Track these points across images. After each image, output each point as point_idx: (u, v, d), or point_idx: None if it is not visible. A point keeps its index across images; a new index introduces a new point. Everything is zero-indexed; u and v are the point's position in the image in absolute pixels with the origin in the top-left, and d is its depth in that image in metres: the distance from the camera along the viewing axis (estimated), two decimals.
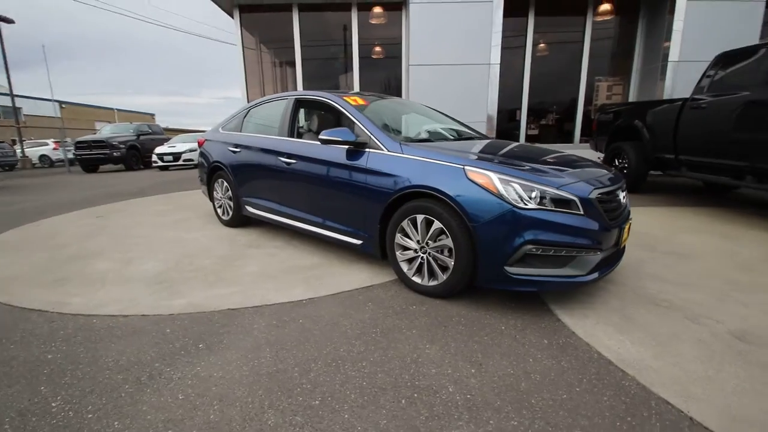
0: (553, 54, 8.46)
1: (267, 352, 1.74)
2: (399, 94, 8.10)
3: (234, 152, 3.68)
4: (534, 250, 1.90)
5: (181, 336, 1.88)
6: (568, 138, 8.55)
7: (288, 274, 2.69)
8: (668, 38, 7.23)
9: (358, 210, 2.57)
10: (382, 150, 2.46)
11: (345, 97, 2.94)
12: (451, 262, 2.12)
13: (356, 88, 8.16)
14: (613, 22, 8.34)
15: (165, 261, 2.99)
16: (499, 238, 1.94)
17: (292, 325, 1.99)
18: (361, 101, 2.93)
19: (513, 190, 1.92)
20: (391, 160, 2.38)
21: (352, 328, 1.94)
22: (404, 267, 2.38)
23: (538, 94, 8.46)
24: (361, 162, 2.53)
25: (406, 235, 2.32)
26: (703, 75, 4.65)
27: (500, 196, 1.93)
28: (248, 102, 8.31)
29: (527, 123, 8.48)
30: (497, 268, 1.97)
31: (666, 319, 1.97)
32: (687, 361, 1.61)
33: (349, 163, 2.60)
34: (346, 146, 2.63)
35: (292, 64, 8.21)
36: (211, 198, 4.19)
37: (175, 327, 1.97)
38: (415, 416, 1.32)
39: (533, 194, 1.91)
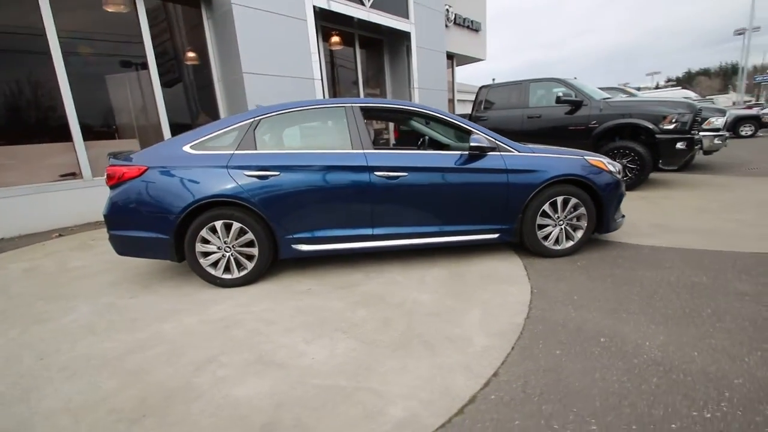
0: (342, 75, 9.77)
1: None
2: (214, 101, 6.98)
3: (261, 177, 2.68)
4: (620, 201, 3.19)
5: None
6: None
7: (467, 287, 2.65)
8: (409, 72, 10.19)
9: (499, 206, 2.94)
10: (513, 152, 2.96)
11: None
12: (583, 224, 3.05)
13: (156, 90, 6.26)
14: (371, 54, 10.60)
15: (331, 340, 2.06)
16: (614, 199, 3.09)
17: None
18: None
19: (612, 167, 3.10)
20: (529, 159, 2.95)
21: (633, 293, 2.41)
22: (543, 242, 3.04)
23: None
24: (497, 163, 2.89)
25: (545, 215, 3.00)
26: (478, 99, 7.34)
27: (610, 172, 3.07)
28: None
29: None
30: (612, 219, 3.11)
31: (663, 226, 3.73)
32: (720, 238, 3.37)
33: (482, 166, 2.88)
34: (467, 152, 2.88)
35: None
36: (187, 255, 2.70)
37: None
38: None
39: (617, 168, 3.16)
